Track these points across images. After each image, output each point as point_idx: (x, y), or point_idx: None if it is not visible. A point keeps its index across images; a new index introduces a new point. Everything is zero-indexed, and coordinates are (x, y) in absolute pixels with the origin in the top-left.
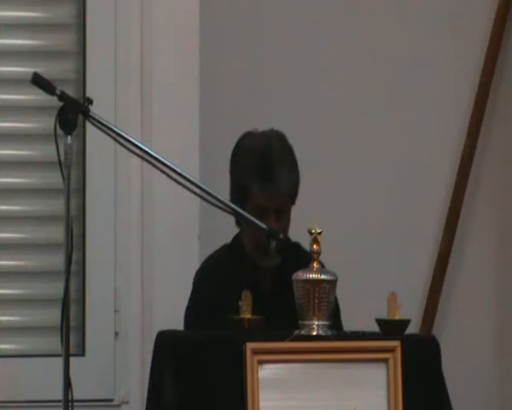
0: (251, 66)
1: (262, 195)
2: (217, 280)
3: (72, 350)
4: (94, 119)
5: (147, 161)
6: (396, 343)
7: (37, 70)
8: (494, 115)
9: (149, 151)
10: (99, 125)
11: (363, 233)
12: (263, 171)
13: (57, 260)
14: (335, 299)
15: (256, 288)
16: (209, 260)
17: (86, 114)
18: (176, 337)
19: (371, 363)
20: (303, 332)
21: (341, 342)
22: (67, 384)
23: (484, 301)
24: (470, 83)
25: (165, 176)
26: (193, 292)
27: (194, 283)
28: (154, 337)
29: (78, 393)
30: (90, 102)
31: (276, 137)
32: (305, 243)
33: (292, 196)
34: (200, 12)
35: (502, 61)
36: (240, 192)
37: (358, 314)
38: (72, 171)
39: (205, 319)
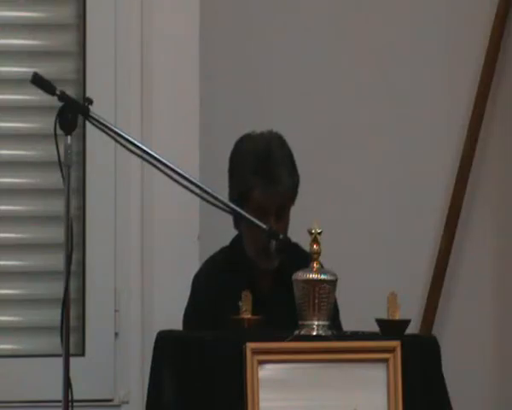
0: (251, 67)
1: (264, 195)
2: (216, 282)
3: (72, 350)
4: (94, 119)
5: (147, 161)
6: (396, 343)
7: (37, 70)
8: (494, 115)
9: (149, 151)
10: (99, 125)
11: (363, 233)
12: (263, 172)
13: (57, 260)
14: (334, 299)
15: (256, 288)
16: (208, 262)
17: (86, 114)
18: (176, 337)
19: (371, 363)
20: (303, 332)
21: (341, 342)
22: (67, 384)
23: (484, 301)
24: (470, 83)
25: (165, 176)
26: (192, 294)
27: (193, 285)
28: (154, 337)
29: (77, 393)
30: (90, 102)
31: (274, 140)
32: (305, 243)
33: (292, 196)
34: (200, 13)
35: (502, 61)
36: (240, 196)
37: (358, 314)
38: (72, 171)
39: (204, 321)
